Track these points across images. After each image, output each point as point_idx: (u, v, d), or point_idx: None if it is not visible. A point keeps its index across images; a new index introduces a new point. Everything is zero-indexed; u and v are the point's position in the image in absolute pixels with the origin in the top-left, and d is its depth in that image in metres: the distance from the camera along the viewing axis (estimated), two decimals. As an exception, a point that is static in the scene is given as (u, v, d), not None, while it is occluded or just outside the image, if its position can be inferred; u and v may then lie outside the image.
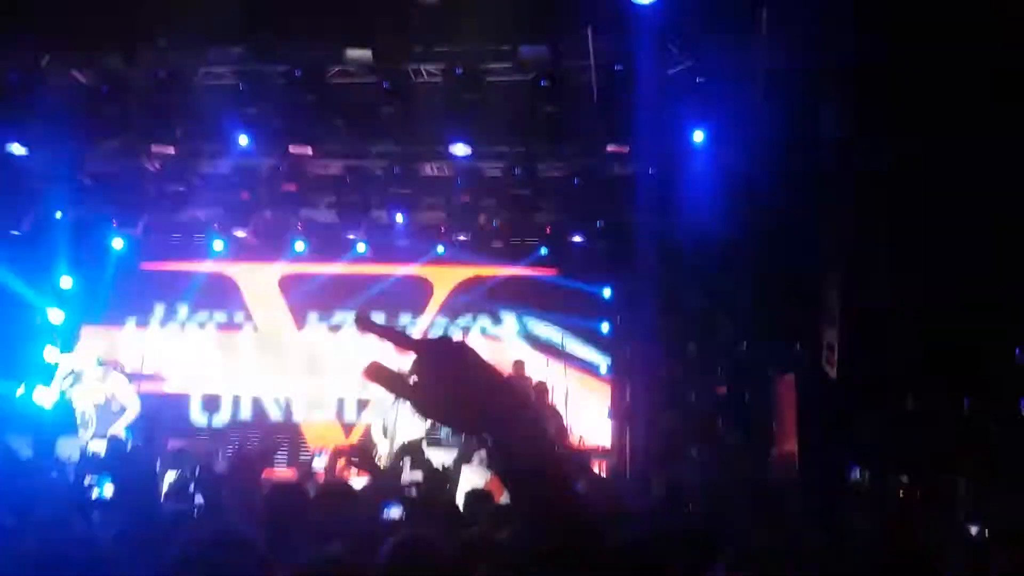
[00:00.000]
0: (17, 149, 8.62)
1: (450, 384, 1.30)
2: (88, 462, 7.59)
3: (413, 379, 1.30)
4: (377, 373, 1.30)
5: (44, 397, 9.35)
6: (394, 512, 4.43)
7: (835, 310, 8.83)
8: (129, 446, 8.49)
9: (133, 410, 9.03)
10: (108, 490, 4.88)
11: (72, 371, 9.17)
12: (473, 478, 5.69)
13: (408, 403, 1.31)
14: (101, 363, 9.20)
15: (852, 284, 8.79)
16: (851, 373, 8.78)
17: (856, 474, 7.42)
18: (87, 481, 5.78)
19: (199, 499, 5.01)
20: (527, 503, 1.28)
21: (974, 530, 5.22)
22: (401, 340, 1.33)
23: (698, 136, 7.62)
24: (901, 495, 7.75)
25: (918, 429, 8.33)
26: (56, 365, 9.47)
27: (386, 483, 5.11)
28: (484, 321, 11.52)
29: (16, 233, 10.48)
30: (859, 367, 8.75)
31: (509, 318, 11.43)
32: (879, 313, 8.40)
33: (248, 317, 11.92)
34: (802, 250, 9.76)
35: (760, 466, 9.58)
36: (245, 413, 11.49)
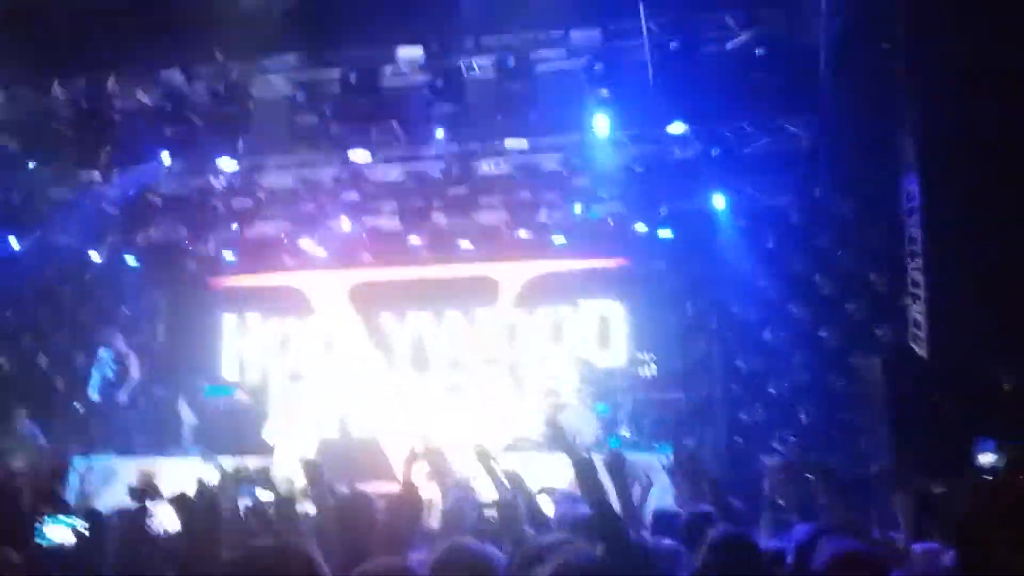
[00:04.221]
0: (90, 175, 8.93)
1: None
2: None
3: None
4: None
5: None
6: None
7: (920, 284, 8.37)
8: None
9: None
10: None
11: None
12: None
13: None
14: None
15: (936, 256, 8.34)
16: (943, 350, 8.32)
17: (986, 456, 6.81)
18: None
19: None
20: None
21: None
22: None
23: (764, 111, 7.31)
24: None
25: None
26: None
27: (463, 491, 4.99)
28: (564, 310, 11.37)
29: (94, 256, 10.85)
30: (951, 343, 8.28)
31: (587, 304, 11.29)
32: (967, 283, 7.92)
33: (318, 326, 12.09)
34: (880, 228, 9.34)
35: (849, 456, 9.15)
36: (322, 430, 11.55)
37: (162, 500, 4.24)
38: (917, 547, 3.64)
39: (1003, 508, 3.15)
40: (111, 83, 7.93)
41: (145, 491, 4.46)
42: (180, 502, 3.45)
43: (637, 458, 5.88)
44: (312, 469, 4.22)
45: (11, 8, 7.23)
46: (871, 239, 9.57)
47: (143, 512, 3.75)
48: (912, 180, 8.08)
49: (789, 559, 3.14)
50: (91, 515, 3.50)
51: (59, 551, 3.10)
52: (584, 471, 3.47)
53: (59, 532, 3.43)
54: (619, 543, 2.80)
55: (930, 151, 7.68)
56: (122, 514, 3.99)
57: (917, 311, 8.69)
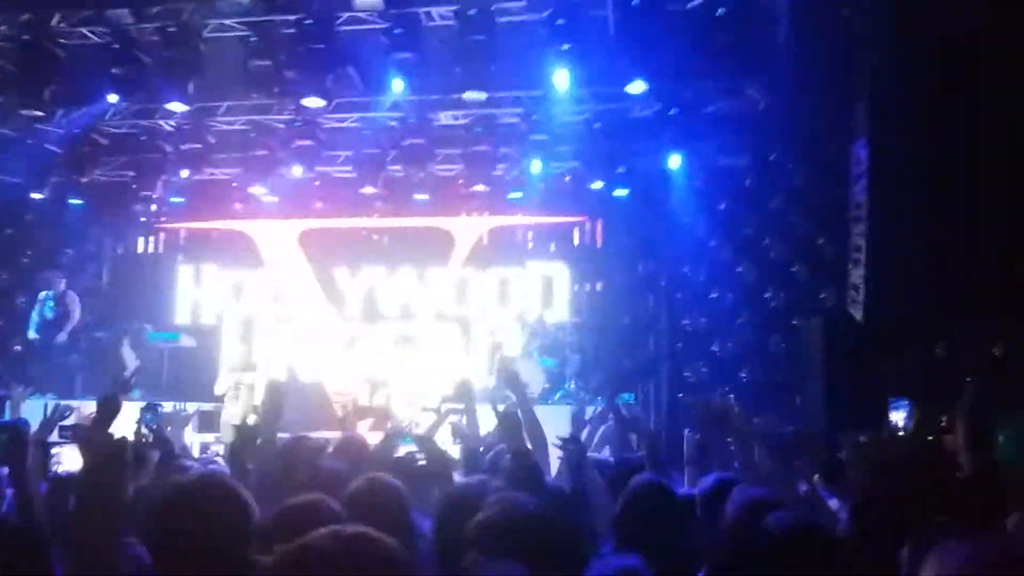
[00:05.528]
0: (33, 113, 8.59)
1: None
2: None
3: None
4: None
5: None
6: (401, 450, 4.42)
7: (862, 249, 8.61)
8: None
9: None
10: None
11: None
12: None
13: None
14: None
15: (878, 223, 8.57)
16: (878, 314, 8.60)
17: (903, 416, 7.14)
18: None
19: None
20: None
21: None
22: None
23: (723, 72, 7.35)
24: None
25: (949, 374, 8.12)
26: None
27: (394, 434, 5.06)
28: (511, 271, 11.47)
29: (37, 196, 10.51)
30: (887, 308, 8.56)
31: (534, 266, 11.37)
32: (907, 250, 8.18)
33: (270, 275, 11.96)
34: (829, 192, 9.54)
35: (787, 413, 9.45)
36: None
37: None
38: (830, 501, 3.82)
39: (899, 461, 3.33)
40: (56, 19, 7.61)
41: (76, 430, 4.41)
42: (84, 445, 3.42)
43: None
44: (274, 393, 4.22)
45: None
46: (820, 203, 9.77)
47: (46, 451, 3.71)
48: (861, 146, 8.26)
49: (700, 507, 3.26)
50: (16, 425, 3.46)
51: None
52: (505, 419, 3.99)
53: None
54: (535, 488, 2.95)
55: (880, 118, 7.84)
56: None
57: (857, 275, 8.97)
